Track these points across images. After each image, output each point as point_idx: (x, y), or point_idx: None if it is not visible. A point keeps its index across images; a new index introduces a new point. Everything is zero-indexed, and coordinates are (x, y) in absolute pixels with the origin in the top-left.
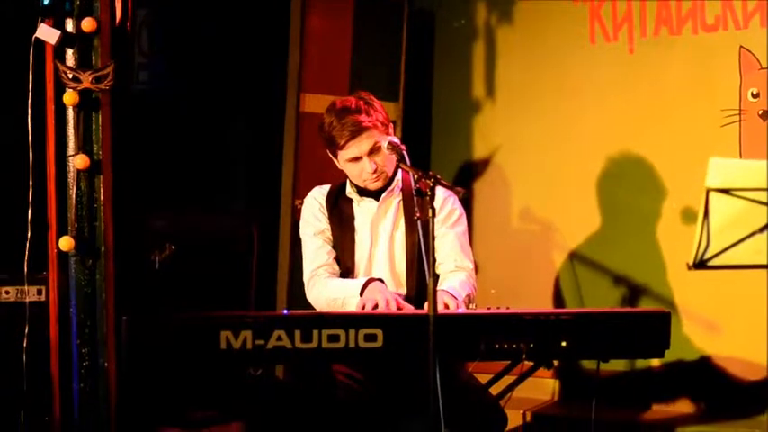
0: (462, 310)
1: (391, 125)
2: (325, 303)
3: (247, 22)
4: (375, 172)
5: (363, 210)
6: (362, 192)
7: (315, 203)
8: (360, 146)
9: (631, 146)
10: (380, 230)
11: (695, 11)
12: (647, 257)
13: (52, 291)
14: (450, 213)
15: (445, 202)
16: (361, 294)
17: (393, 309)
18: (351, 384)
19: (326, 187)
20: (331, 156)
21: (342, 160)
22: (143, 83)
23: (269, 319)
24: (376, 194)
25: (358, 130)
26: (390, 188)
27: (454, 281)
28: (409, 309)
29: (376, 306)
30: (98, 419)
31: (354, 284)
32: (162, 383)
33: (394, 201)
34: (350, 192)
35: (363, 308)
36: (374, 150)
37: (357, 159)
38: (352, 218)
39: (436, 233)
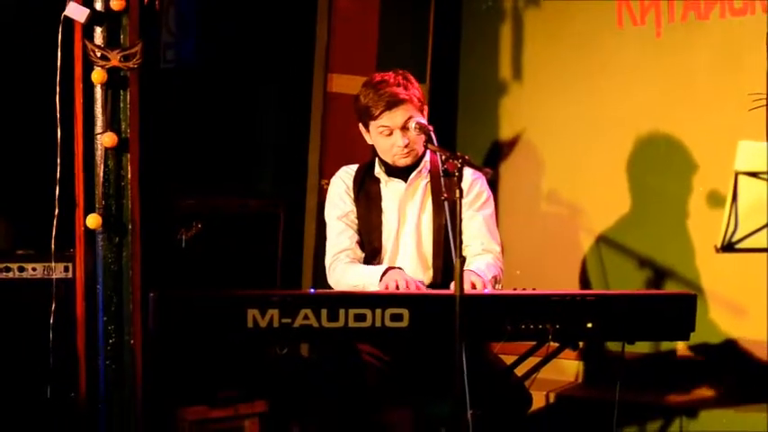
0: (489, 290)
1: (426, 106)
2: (345, 288)
3: (274, 1)
4: (406, 147)
5: (391, 190)
6: (391, 172)
7: (341, 184)
8: (394, 118)
9: (658, 129)
10: (408, 211)
11: None
12: (673, 240)
13: (79, 268)
14: (477, 195)
15: (473, 183)
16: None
17: (413, 290)
18: (376, 364)
19: (354, 167)
20: (363, 129)
21: (373, 132)
22: (170, 61)
23: (295, 298)
24: (404, 175)
25: (394, 102)
26: (418, 169)
27: (481, 263)
28: None
29: (397, 286)
30: (124, 396)
31: (375, 271)
32: (188, 361)
33: (422, 182)
34: (378, 171)
35: (387, 288)
36: (407, 125)
37: (389, 133)
38: (380, 198)
39: (464, 215)
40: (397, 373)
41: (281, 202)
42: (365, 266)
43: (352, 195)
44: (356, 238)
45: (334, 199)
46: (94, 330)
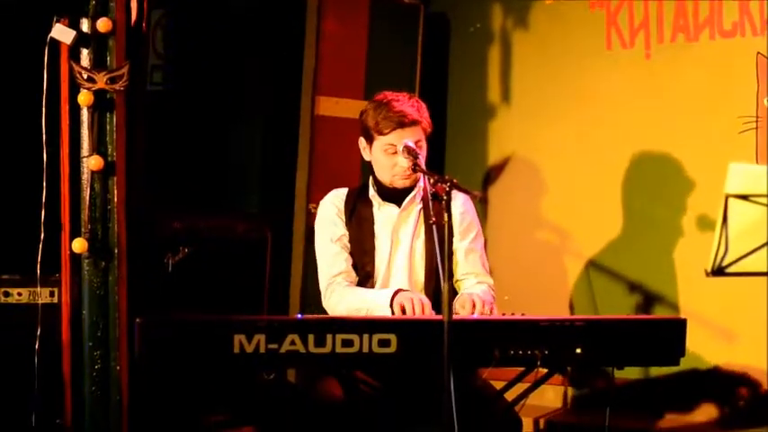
0: (477, 316)
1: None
2: (345, 312)
3: (262, 24)
4: (408, 169)
5: (384, 215)
6: (385, 196)
7: (332, 208)
8: (403, 137)
9: (647, 152)
10: (401, 237)
11: (713, 17)
12: (663, 265)
13: (65, 293)
14: (469, 227)
15: (464, 215)
16: (390, 304)
17: (427, 305)
18: (364, 389)
19: (344, 190)
20: (364, 144)
21: (377, 149)
22: (157, 84)
23: (282, 324)
24: (398, 200)
25: (408, 123)
26: (412, 194)
27: (478, 289)
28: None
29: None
30: (109, 423)
31: (382, 294)
32: (174, 387)
33: (415, 208)
34: (372, 194)
35: (403, 310)
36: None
37: (395, 152)
38: (372, 222)
39: (457, 246)
40: (385, 398)
41: (268, 226)
42: (368, 290)
43: (344, 219)
44: (351, 260)
45: (325, 222)
46: (80, 356)
